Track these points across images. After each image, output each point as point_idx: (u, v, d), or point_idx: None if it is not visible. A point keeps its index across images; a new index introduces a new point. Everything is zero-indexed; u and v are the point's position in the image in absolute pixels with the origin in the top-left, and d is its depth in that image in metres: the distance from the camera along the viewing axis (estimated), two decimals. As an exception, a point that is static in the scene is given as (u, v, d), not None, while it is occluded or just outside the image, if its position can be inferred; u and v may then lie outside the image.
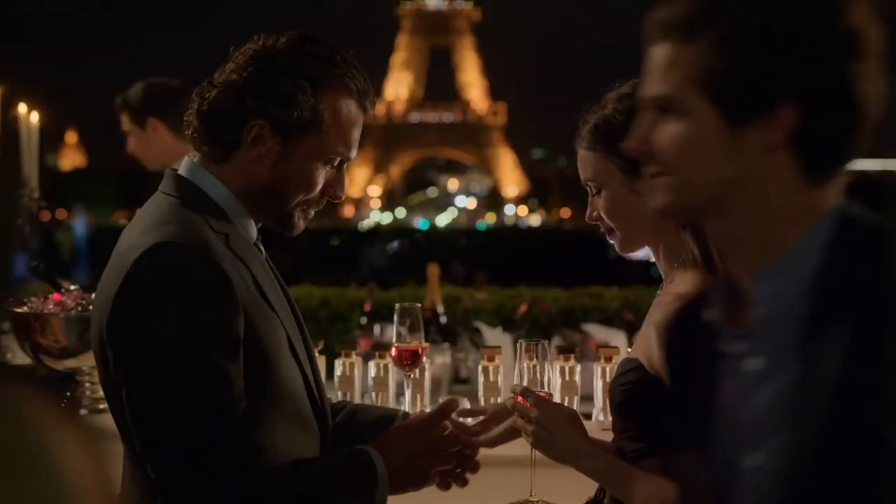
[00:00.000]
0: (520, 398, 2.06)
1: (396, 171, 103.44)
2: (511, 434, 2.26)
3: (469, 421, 2.28)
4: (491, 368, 3.10)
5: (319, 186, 1.96)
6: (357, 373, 3.16)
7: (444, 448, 2.03)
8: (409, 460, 1.95)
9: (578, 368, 3.08)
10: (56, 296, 3.18)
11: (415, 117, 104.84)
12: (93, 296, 3.13)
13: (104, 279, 1.85)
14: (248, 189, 1.93)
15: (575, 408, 3.08)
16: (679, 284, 1.98)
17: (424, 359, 2.94)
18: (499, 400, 3.09)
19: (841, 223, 1.30)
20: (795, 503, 1.27)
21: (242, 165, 1.91)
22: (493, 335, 5.13)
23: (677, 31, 1.31)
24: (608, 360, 3.07)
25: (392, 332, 2.88)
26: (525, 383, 2.15)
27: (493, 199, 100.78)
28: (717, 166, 1.30)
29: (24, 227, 4.28)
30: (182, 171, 1.95)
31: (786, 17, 1.26)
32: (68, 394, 3.22)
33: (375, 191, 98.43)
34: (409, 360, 2.86)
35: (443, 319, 5.03)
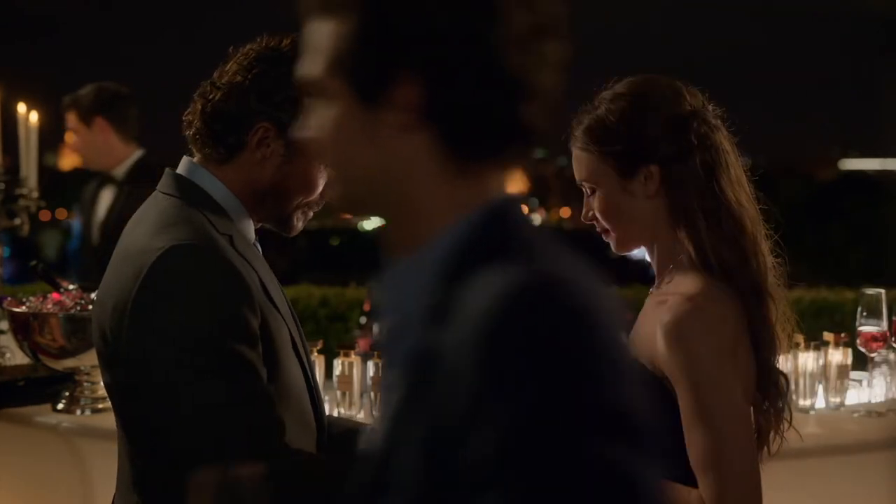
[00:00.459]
0: None
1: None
2: None
3: None
4: (490, 368, 3.09)
5: (320, 188, 1.96)
6: (356, 372, 3.16)
7: None
8: None
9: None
10: (55, 295, 3.18)
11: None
12: (92, 295, 3.14)
13: (111, 281, 1.84)
14: (249, 190, 1.93)
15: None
16: (680, 285, 1.97)
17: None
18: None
19: (483, 223, 1.12)
20: None
21: (245, 167, 1.91)
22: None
23: (319, 6, 1.18)
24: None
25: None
26: None
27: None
28: (362, 154, 1.14)
29: (24, 227, 4.28)
30: (181, 170, 1.94)
31: None
32: (67, 394, 3.22)
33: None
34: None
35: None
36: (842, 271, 23.35)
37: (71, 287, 3.23)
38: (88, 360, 3.10)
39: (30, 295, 3.28)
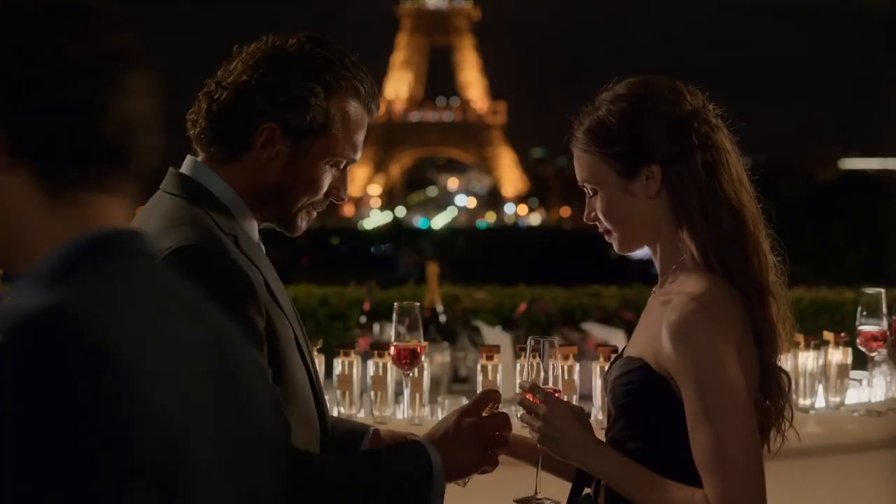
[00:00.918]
0: (528, 394, 2.05)
1: (396, 170, 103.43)
2: (529, 457, 2.20)
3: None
4: (490, 367, 3.09)
5: (325, 188, 1.96)
6: (356, 372, 3.16)
7: (490, 437, 2.02)
8: (460, 452, 1.96)
9: (577, 367, 3.08)
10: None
11: (415, 116, 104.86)
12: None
13: None
14: (254, 190, 1.93)
15: (574, 407, 3.09)
16: (685, 284, 1.97)
17: (423, 358, 2.94)
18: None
19: (67, 252, 1.12)
20: None
21: (250, 167, 1.91)
22: (493, 334, 5.13)
23: None
24: (607, 359, 3.07)
25: (391, 331, 2.88)
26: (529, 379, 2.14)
27: (492, 199, 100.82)
28: None
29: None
30: (185, 170, 1.94)
31: None
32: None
33: (375, 190, 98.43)
34: (408, 360, 2.86)
35: (442, 318, 5.04)
36: (842, 271, 23.38)
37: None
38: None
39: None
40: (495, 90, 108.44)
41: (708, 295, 1.92)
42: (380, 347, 3.15)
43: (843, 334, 3.38)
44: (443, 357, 4.58)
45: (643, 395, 1.98)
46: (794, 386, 3.25)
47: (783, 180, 34.83)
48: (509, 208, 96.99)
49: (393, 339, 2.86)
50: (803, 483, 2.86)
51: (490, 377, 3.08)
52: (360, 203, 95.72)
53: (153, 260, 1.25)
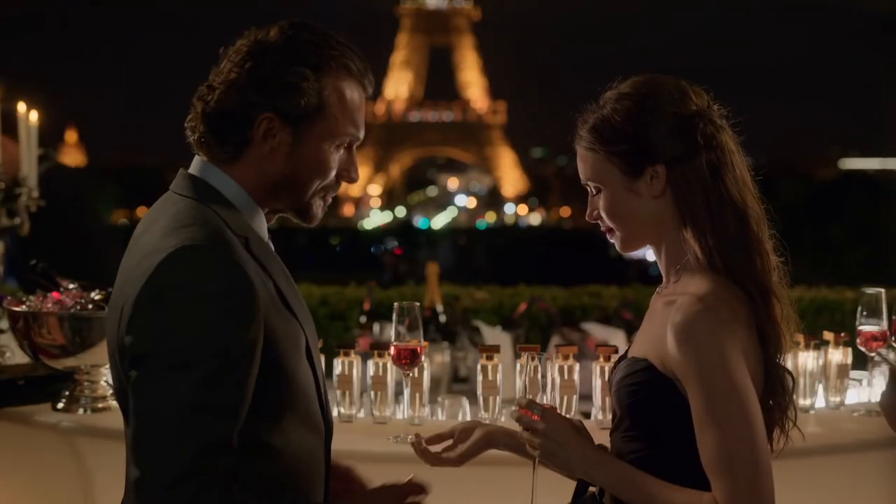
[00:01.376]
0: (524, 410, 2.03)
1: (396, 169, 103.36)
2: (478, 449, 2.27)
3: (436, 448, 2.32)
4: (490, 367, 3.09)
5: (334, 171, 1.96)
6: (356, 372, 3.16)
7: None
8: None
9: (577, 367, 3.08)
10: (55, 294, 3.18)
11: (415, 116, 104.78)
12: (92, 295, 3.14)
13: (123, 283, 1.84)
14: (263, 184, 1.92)
15: (574, 407, 3.09)
16: (689, 285, 1.97)
17: (423, 358, 2.94)
18: (498, 399, 3.09)
19: None
20: None
21: (256, 161, 1.91)
22: (493, 334, 5.13)
23: None
24: (607, 359, 3.07)
25: (391, 331, 2.88)
26: (527, 384, 2.14)
27: (492, 198, 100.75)
28: None
29: (24, 226, 4.28)
30: (194, 170, 1.94)
31: None
32: (67, 393, 3.22)
33: (375, 190, 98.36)
34: (408, 359, 2.86)
35: (442, 318, 5.03)
36: (842, 271, 23.37)
37: (71, 286, 3.23)
38: (88, 359, 3.10)
39: (30, 294, 3.28)
40: (495, 90, 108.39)
41: (712, 295, 1.92)
42: (380, 347, 3.15)
43: (843, 334, 3.37)
44: (443, 357, 4.57)
45: (648, 395, 1.97)
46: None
47: (783, 180, 34.83)
48: (509, 208, 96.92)
49: (393, 338, 2.85)
50: (803, 483, 2.86)
51: (490, 377, 3.08)
52: (360, 203, 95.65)
53: None
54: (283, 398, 1.86)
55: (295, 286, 2.00)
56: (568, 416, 3.06)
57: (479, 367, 3.12)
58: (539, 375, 2.12)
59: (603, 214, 2.06)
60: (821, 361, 3.31)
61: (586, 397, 3.27)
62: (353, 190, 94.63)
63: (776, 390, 1.99)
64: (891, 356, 3.32)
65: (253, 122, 1.88)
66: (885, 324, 3.17)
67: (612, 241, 2.10)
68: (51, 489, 3.33)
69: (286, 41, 1.90)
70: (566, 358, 3.08)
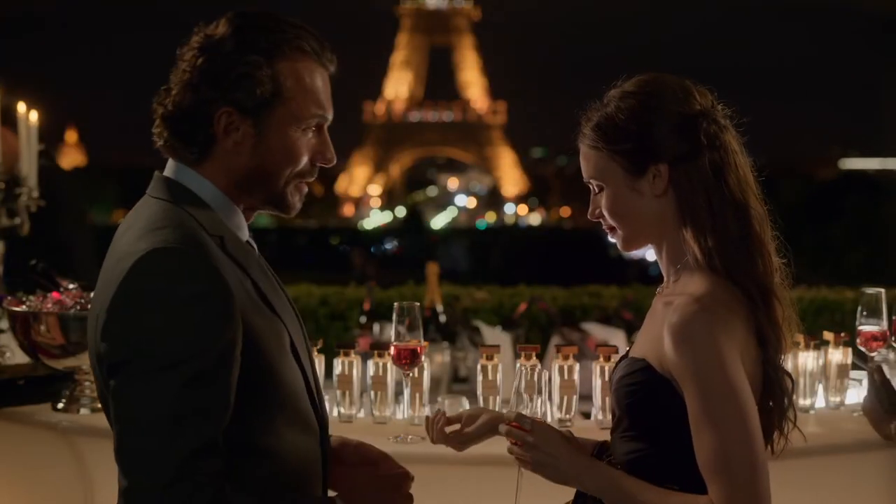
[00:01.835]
0: (514, 424, 2.02)
1: (396, 169, 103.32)
2: (482, 435, 2.27)
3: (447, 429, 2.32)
4: (490, 367, 3.10)
5: (305, 156, 1.92)
6: (356, 372, 3.16)
7: (403, 486, 2.05)
8: None
9: (577, 367, 3.08)
10: (55, 294, 3.18)
11: (414, 116, 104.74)
12: (91, 295, 3.14)
13: (99, 286, 1.83)
14: (235, 180, 1.90)
15: (574, 407, 3.09)
16: (688, 285, 1.97)
17: (423, 358, 2.94)
18: (498, 399, 3.09)
19: None
20: None
21: (223, 158, 1.89)
22: (493, 334, 5.13)
23: None
24: (607, 358, 3.07)
25: (391, 331, 2.88)
26: (524, 386, 2.13)
27: (492, 198, 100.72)
28: None
29: (24, 226, 4.28)
30: (168, 172, 1.93)
31: None
32: (67, 393, 3.22)
33: (375, 190, 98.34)
34: (408, 359, 2.86)
35: (442, 318, 5.04)
36: (842, 271, 23.37)
37: (71, 286, 3.23)
38: (88, 359, 3.10)
39: (30, 294, 3.28)
40: (495, 90, 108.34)
41: (710, 296, 1.92)
42: (380, 347, 3.15)
43: (843, 334, 3.37)
44: (443, 357, 4.58)
45: (646, 396, 1.97)
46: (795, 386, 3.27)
47: (783, 180, 34.82)
48: (509, 208, 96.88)
49: (393, 338, 2.86)
50: (803, 483, 2.86)
51: (490, 377, 3.08)
52: (360, 203, 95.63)
53: None
54: (270, 397, 1.85)
55: (276, 284, 1.98)
56: (569, 414, 3.07)
57: (479, 367, 3.12)
58: (536, 377, 2.12)
59: (605, 213, 2.06)
60: (821, 361, 3.31)
61: (586, 397, 3.27)
62: (353, 190, 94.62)
63: (775, 392, 1.99)
64: (889, 356, 3.32)
65: (212, 118, 1.86)
66: (885, 324, 3.17)
67: (612, 239, 2.10)
68: (51, 489, 3.33)
69: (234, 32, 1.87)
70: (566, 358, 3.08)
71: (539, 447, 1.98)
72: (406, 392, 2.98)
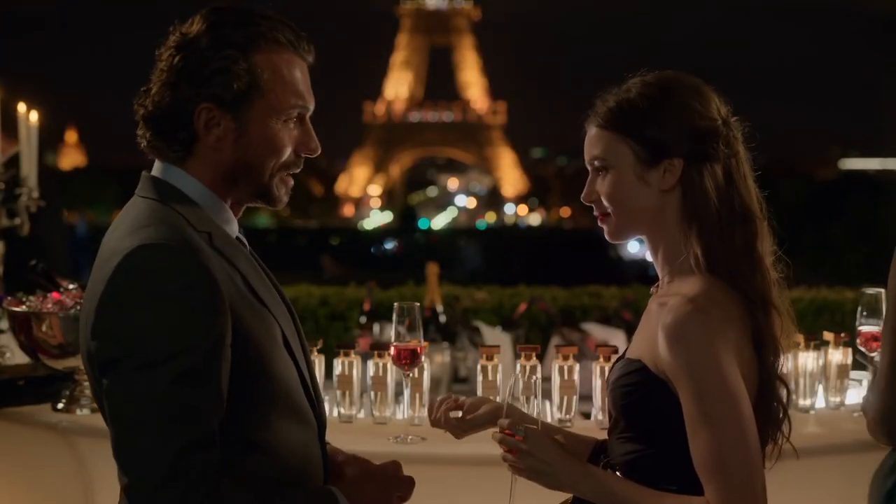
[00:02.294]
0: (507, 432, 2.00)
1: (396, 170, 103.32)
2: (483, 424, 2.27)
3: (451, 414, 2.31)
4: (490, 367, 3.10)
5: (288, 147, 1.92)
6: (356, 372, 3.16)
7: (404, 491, 2.04)
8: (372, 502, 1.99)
9: (577, 368, 3.08)
10: (55, 295, 3.18)
11: (414, 116, 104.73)
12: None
13: (89, 286, 1.84)
14: (221, 175, 1.91)
15: (574, 407, 3.09)
16: (683, 286, 1.96)
17: (423, 358, 2.94)
18: (498, 399, 3.09)
19: None
20: None
21: (206, 154, 1.89)
22: (493, 334, 5.13)
23: None
24: (607, 359, 3.07)
25: (391, 331, 2.88)
26: (521, 388, 2.13)
27: (492, 199, 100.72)
28: None
29: (24, 226, 4.29)
30: (156, 172, 1.93)
31: None
32: (67, 393, 3.22)
33: (375, 190, 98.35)
34: (408, 360, 2.86)
35: (442, 318, 5.03)
36: (842, 271, 23.36)
37: (71, 287, 3.23)
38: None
39: (30, 294, 3.28)
40: (495, 90, 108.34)
41: (704, 296, 1.91)
42: (380, 348, 3.15)
43: (843, 334, 3.37)
44: (443, 357, 4.57)
45: (642, 397, 1.97)
46: (793, 387, 3.26)
47: (783, 180, 34.82)
48: (509, 208, 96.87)
49: (393, 339, 2.86)
50: (803, 483, 2.86)
51: (490, 377, 3.08)
52: (360, 203, 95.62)
53: None
54: (262, 390, 1.84)
55: (267, 279, 1.98)
56: (569, 415, 3.07)
57: (479, 367, 3.12)
58: (533, 379, 2.12)
59: (603, 198, 2.03)
60: (821, 362, 3.31)
61: (586, 398, 3.27)
62: (354, 190, 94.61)
63: (770, 401, 1.98)
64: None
65: (192, 115, 1.86)
66: (884, 324, 3.17)
67: (602, 225, 2.07)
68: (51, 489, 3.33)
69: (209, 28, 1.88)
70: (566, 358, 3.08)
71: (533, 454, 1.97)
72: (406, 392, 2.98)
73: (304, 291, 6.72)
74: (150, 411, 1.69)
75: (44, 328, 3.07)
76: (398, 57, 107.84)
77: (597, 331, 5.27)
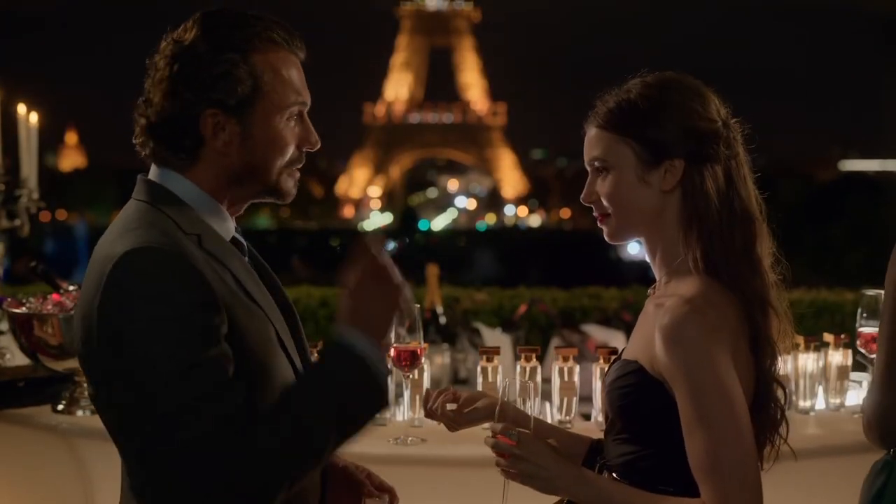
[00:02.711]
0: (500, 437, 1.99)
1: (396, 171, 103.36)
2: (479, 420, 2.26)
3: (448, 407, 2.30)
4: (490, 369, 3.09)
5: (291, 144, 1.94)
6: (356, 373, 3.15)
7: (391, 275, 1.96)
8: (372, 308, 1.92)
9: (577, 369, 3.08)
10: (55, 296, 3.18)
11: (415, 118, 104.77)
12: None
13: (83, 290, 1.84)
14: (225, 178, 1.91)
15: (574, 409, 3.09)
16: (679, 287, 1.96)
17: (423, 359, 2.94)
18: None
19: None
20: None
21: (213, 158, 1.89)
22: (493, 335, 5.13)
23: None
24: (607, 360, 3.06)
25: (391, 332, 2.87)
26: (517, 390, 2.12)
27: (492, 200, 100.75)
28: None
29: (24, 227, 4.29)
30: (151, 175, 1.94)
31: None
32: (67, 394, 3.22)
33: (375, 191, 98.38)
34: (408, 361, 2.85)
35: (442, 320, 5.03)
36: (841, 272, 23.37)
37: (71, 288, 3.23)
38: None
39: (30, 296, 3.28)
40: (495, 91, 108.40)
41: (701, 297, 1.90)
42: (380, 349, 3.14)
43: (843, 336, 3.37)
44: (443, 358, 4.58)
45: (639, 398, 1.96)
46: (793, 388, 3.26)
47: (783, 181, 34.83)
48: (509, 210, 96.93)
49: (393, 340, 2.85)
50: (802, 484, 2.86)
51: (490, 379, 3.08)
52: (361, 205, 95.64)
53: None
54: (260, 392, 1.83)
55: (259, 280, 1.98)
56: (569, 416, 3.06)
57: (479, 368, 3.12)
58: (527, 381, 2.11)
59: (603, 198, 2.03)
60: (821, 363, 3.31)
61: (586, 399, 3.27)
62: (354, 192, 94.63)
63: (767, 404, 1.98)
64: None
65: (198, 122, 1.86)
66: (885, 325, 3.17)
67: (602, 226, 2.06)
68: (51, 490, 3.33)
69: (205, 33, 1.88)
70: (566, 360, 3.08)
71: (526, 458, 1.96)
72: (406, 394, 2.98)
73: (304, 292, 6.72)
74: (163, 412, 1.68)
75: (44, 330, 3.07)
76: (398, 58, 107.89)
77: (597, 332, 5.27)
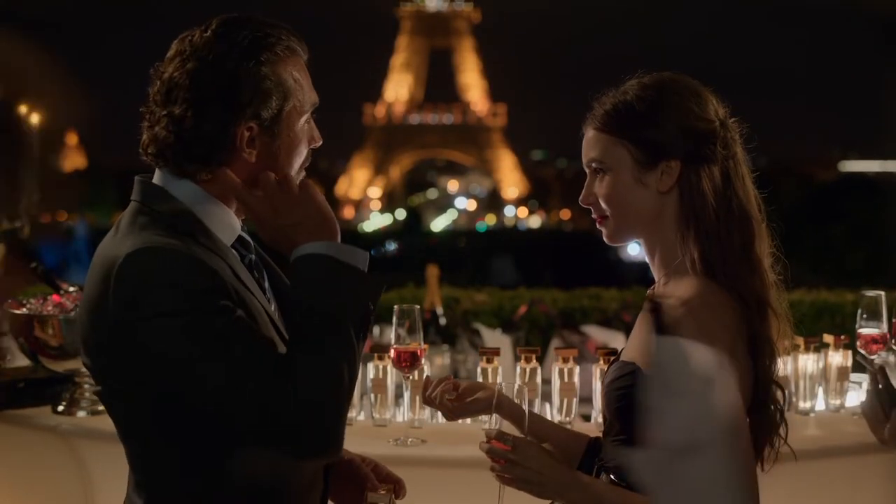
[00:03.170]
0: (494, 441, 1.98)
1: (396, 172, 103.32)
2: (478, 411, 2.26)
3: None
4: (490, 370, 3.09)
5: (305, 145, 1.97)
6: (356, 374, 3.15)
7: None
8: (296, 215, 1.89)
9: (577, 370, 3.08)
10: (55, 297, 3.18)
11: (414, 119, 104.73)
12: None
13: (86, 292, 1.85)
14: (247, 182, 1.90)
15: (574, 410, 3.09)
16: (677, 288, 1.96)
17: (423, 360, 2.94)
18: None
19: None
20: None
21: (241, 166, 1.88)
22: (493, 336, 5.14)
23: None
24: (607, 361, 3.06)
25: (391, 333, 2.88)
26: (515, 391, 2.12)
27: (492, 201, 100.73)
28: None
29: (24, 229, 4.29)
30: (156, 179, 1.93)
31: None
32: (67, 395, 3.22)
33: (375, 192, 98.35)
34: (408, 362, 2.86)
35: (442, 321, 5.04)
36: (842, 273, 23.38)
37: (71, 289, 3.23)
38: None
39: (30, 297, 3.28)
40: (495, 92, 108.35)
41: (698, 299, 1.90)
42: (380, 350, 3.15)
43: (843, 337, 3.37)
44: (443, 359, 4.58)
45: (635, 399, 1.96)
46: (793, 389, 3.26)
47: (783, 181, 34.84)
48: (509, 210, 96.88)
49: (393, 341, 2.85)
50: (802, 485, 2.86)
51: (490, 380, 3.08)
52: (360, 206, 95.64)
53: None
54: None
55: (249, 275, 1.98)
56: (569, 417, 3.06)
57: (479, 369, 3.12)
58: (521, 385, 2.11)
59: (601, 200, 2.03)
60: (821, 364, 3.31)
61: (586, 400, 3.27)
62: (353, 193, 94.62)
63: (766, 405, 1.97)
64: (889, 358, 3.32)
65: (234, 137, 1.86)
66: (885, 326, 3.17)
67: (600, 227, 2.07)
68: (51, 491, 3.33)
69: (230, 48, 1.86)
70: (566, 361, 3.08)
71: (522, 464, 1.95)
72: (406, 395, 2.98)
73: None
74: (216, 398, 1.71)
75: (44, 330, 3.07)
76: (398, 59, 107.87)
77: (597, 333, 5.28)
